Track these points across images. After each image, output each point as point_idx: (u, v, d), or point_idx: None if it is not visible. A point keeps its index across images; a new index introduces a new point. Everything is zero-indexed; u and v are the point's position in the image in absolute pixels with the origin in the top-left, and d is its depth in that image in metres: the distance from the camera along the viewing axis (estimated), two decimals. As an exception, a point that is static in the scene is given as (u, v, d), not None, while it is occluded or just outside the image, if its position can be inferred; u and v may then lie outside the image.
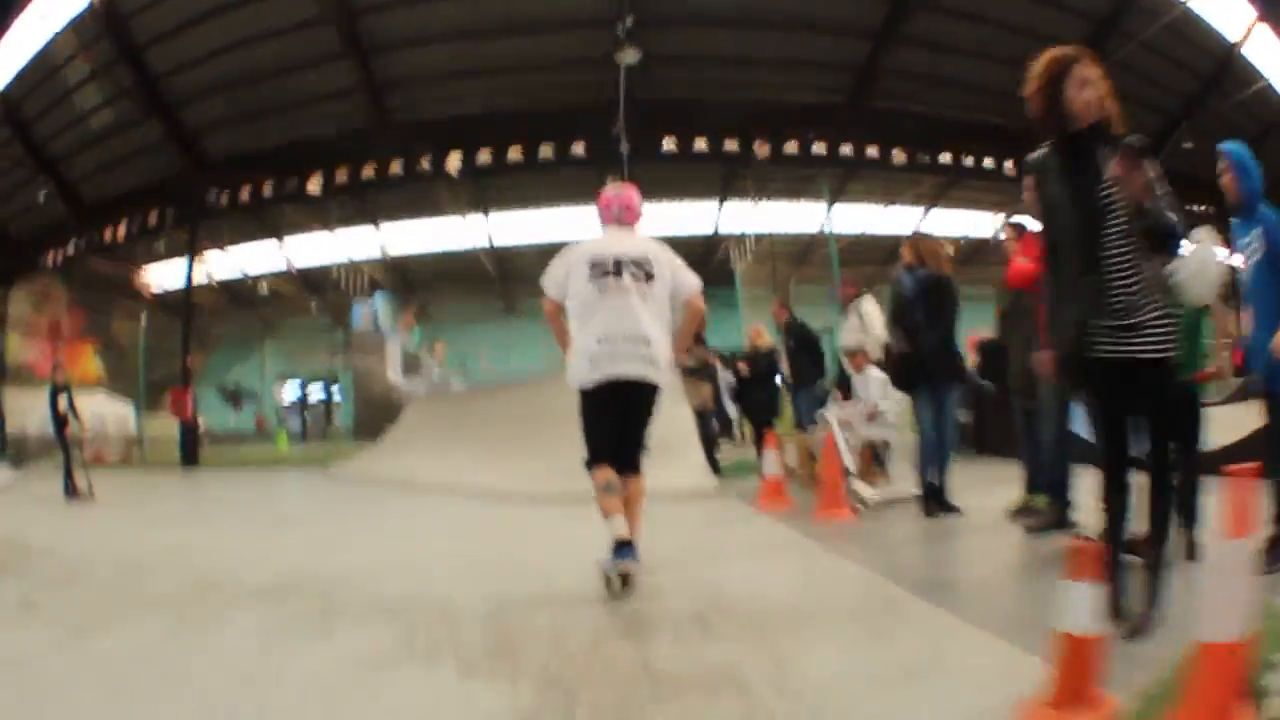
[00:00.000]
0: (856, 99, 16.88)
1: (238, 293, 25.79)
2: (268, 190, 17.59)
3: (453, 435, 10.71)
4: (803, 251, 23.03)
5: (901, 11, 15.08)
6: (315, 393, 30.02)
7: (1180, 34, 15.07)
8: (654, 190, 14.46)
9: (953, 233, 21.91)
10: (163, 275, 23.35)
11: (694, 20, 15.56)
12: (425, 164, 16.89)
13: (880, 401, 6.97)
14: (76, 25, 15.05)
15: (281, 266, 24.76)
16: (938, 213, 22.44)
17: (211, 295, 24.10)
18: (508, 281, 25.80)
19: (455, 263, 24.82)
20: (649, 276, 3.62)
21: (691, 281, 3.78)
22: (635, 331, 3.53)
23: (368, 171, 17.10)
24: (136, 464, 19.13)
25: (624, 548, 3.27)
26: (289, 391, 28.62)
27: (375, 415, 20.68)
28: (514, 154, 16.73)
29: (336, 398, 28.18)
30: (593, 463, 3.52)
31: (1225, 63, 15.88)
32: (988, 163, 17.54)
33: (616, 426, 3.60)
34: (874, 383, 7.11)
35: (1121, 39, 14.47)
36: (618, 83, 15.09)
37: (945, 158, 17.70)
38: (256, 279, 24.90)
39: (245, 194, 17.71)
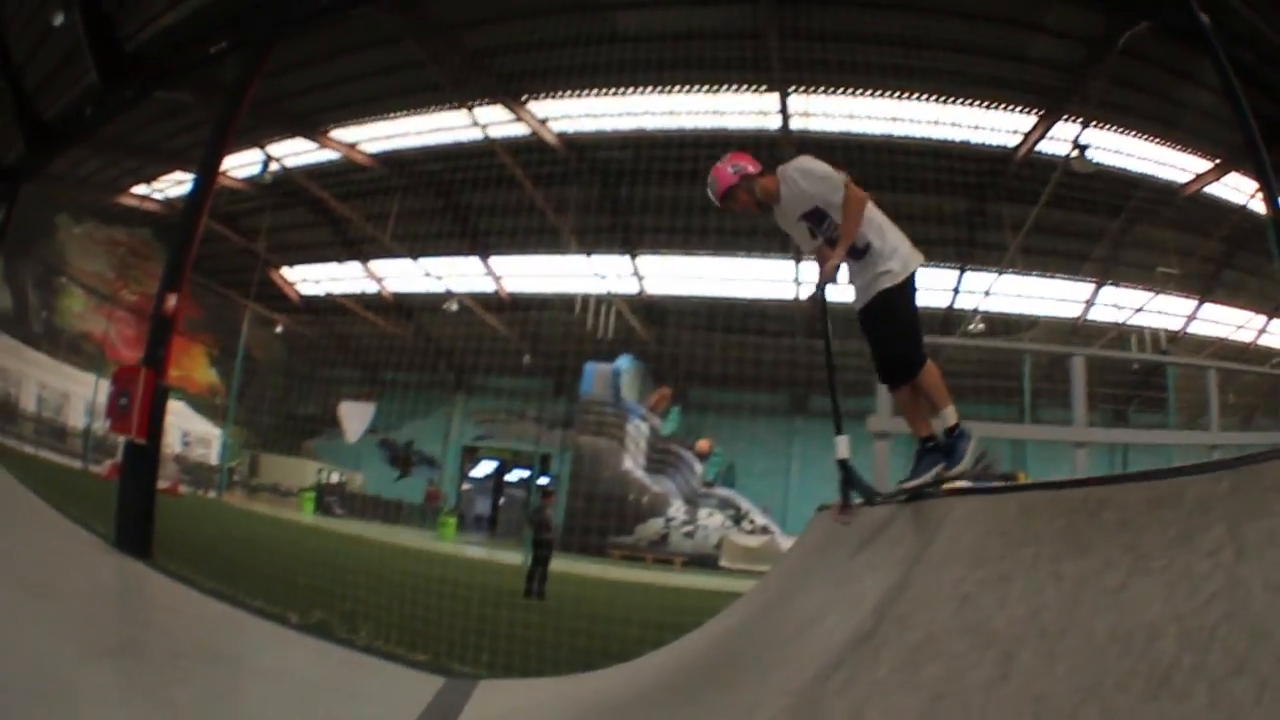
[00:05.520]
0: None
1: (414, 310, 19.26)
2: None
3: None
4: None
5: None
6: (516, 476, 23.00)
7: None
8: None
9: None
10: (312, 274, 17.81)
11: None
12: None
13: None
14: None
15: (484, 285, 18.05)
16: None
17: (380, 310, 18.17)
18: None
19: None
20: None
21: None
22: None
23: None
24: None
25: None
26: (480, 468, 21.99)
27: (598, 519, 16.63)
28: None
29: (543, 483, 20.96)
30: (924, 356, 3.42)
31: None
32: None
33: None
34: None
35: None
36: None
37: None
38: (447, 296, 18.31)
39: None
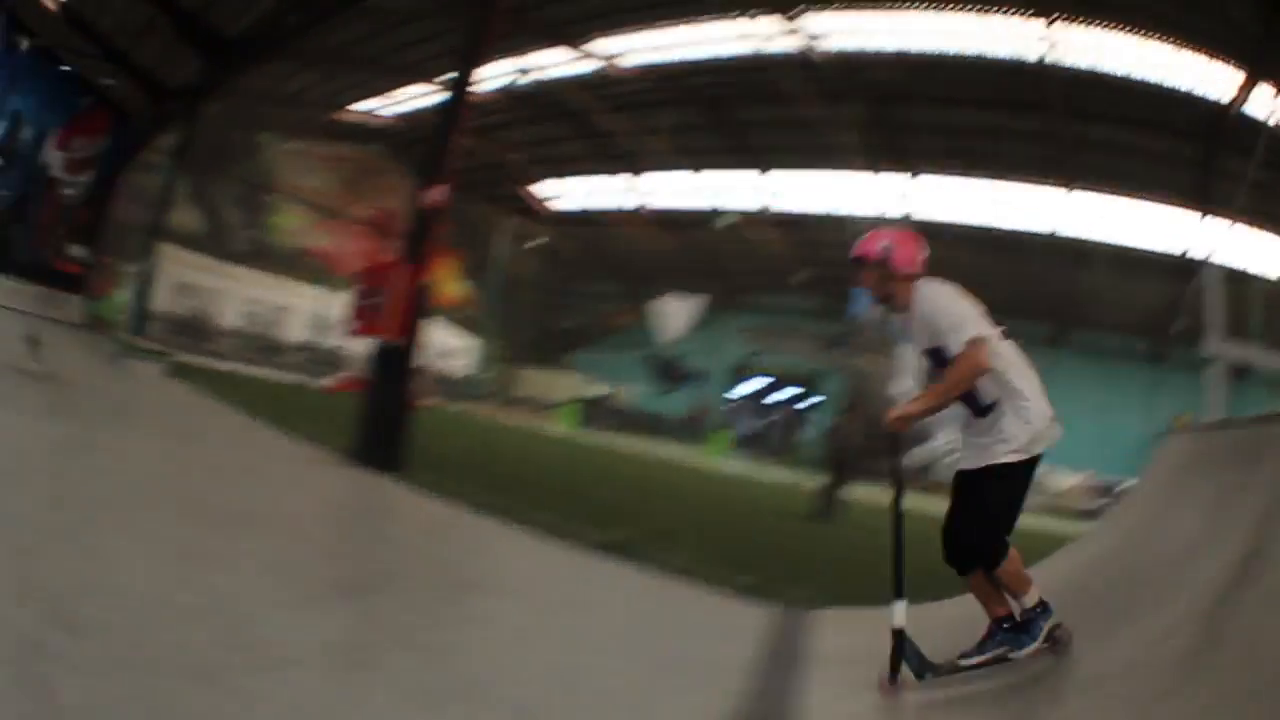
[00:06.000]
0: None
1: (682, 225, 18.42)
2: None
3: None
4: None
5: None
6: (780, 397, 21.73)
7: None
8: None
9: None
10: (571, 187, 17.05)
11: None
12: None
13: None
14: None
15: (756, 201, 17.40)
16: None
17: (644, 224, 17.36)
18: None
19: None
20: None
21: None
22: None
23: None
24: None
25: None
26: (749, 385, 20.83)
27: (866, 441, 13.71)
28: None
29: (812, 404, 19.75)
30: (1007, 545, 2.87)
31: None
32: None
33: None
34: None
35: None
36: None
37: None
38: (718, 211, 17.58)
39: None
